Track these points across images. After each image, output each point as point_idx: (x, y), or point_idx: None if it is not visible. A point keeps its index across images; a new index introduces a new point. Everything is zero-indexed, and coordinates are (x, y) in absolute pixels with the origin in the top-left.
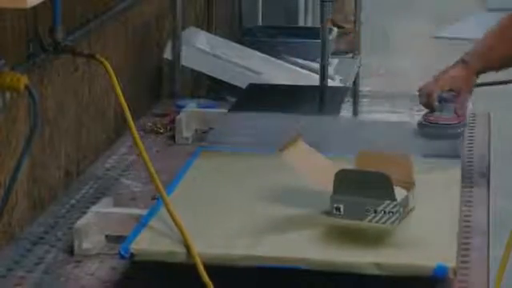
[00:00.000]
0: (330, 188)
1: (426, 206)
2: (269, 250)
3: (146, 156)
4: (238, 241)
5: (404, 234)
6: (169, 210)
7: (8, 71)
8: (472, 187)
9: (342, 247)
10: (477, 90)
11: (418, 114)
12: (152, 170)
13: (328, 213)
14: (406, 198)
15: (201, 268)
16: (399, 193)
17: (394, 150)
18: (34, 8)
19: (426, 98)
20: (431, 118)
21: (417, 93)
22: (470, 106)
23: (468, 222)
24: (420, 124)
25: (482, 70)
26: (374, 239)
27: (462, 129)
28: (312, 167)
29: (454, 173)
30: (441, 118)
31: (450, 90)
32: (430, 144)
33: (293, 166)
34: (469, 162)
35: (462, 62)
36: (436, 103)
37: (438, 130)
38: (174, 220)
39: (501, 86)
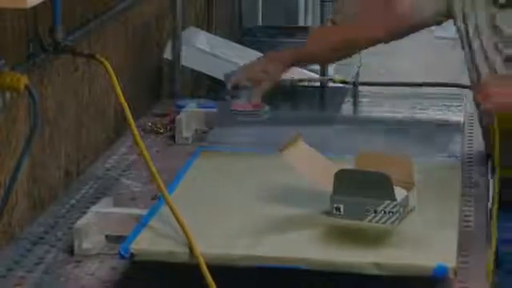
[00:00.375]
0: (329, 188)
1: (426, 206)
2: (269, 250)
3: (147, 155)
4: (238, 241)
5: (404, 234)
6: (172, 209)
7: (8, 71)
8: (472, 187)
9: (342, 247)
10: None
11: (420, 113)
12: (153, 169)
13: (328, 213)
14: (406, 198)
15: (204, 268)
16: (399, 193)
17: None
18: (34, 8)
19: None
20: (236, 106)
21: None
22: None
23: (468, 222)
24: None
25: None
26: (374, 239)
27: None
28: (312, 167)
29: (454, 173)
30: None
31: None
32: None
33: (293, 166)
34: (469, 162)
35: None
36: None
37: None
38: (177, 219)
39: None
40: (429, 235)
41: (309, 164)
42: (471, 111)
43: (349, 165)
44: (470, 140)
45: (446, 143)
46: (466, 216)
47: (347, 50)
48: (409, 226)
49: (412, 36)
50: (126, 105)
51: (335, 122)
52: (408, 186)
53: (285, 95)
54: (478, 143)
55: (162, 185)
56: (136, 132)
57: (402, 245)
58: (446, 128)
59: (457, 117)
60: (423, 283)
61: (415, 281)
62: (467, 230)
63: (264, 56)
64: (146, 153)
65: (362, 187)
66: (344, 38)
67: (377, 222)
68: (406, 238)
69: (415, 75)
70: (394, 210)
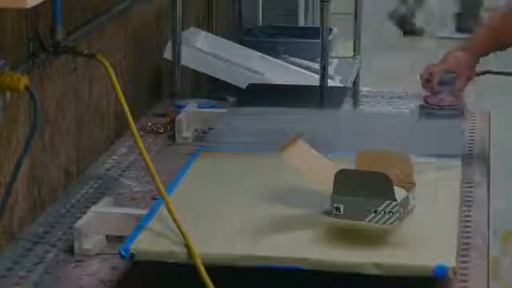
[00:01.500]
0: (330, 188)
1: (426, 206)
2: (269, 249)
3: (146, 154)
4: (238, 241)
5: (404, 234)
6: (169, 209)
7: (8, 71)
8: (472, 187)
9: (342, 247)
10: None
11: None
12: (152, 169)
13: (328, 213)
14: (406, 198)
15: (202, 269)
16: (399, 193)
17: (395, 147)
18: (34, 8)
19: (427, 78)
20: (432, 100)
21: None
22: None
23: (468, 222)
24: (421, 106)
25: (483, 55)
26: (373, 239)
27: (459, 111)
28: (312, 167)
29: (454, 173)
30: (440, 100)
31: (452, 72)
32: (431, 142)
33: (293, 166)
34: (469, 162)
35: (463, 47)
36: (437, 85)
37: (437, 111)
38: (174, 221)
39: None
40: (429, 235)
41: (308, 164)
42: (471, 111)
43: (348, 164)
44: (471, 140)
45: (446, 143)
46: (465, 216)
47: None
48: (409, 226)
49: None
50: (125, 105)
51: (337, 116)
52: (408, 185)
53: (285, 95)
54: (478, 143)
55: (160, 186)
56: (136, 132)
57: (401, 245)
58: (446, 128)
59: (457, 117)
60: (423, 283)
61: (415, 281)
62: (467, 230)
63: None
64: (145, 151)
65: (362, 187)
66: None
67: (377, 221)
68: (406, 238)
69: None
70: (394, 210)
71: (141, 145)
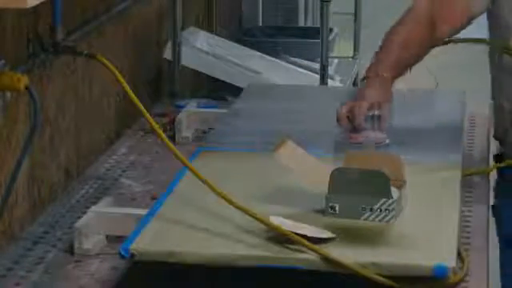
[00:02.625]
0: (322, 187)
1: (426, 205)
2: (269, 250)
3: (162, 133)
4: (238, 241)
5: (404, 234)
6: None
7: (8, 71)
8: (472, 187)
9: (342, 247)
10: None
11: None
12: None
13: (324, 212)
14: (400, 196)
15: None
16: (392, 191)
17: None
18: (34, 8)
19: (349, 120)
20: (359, 139)
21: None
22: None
23: (468, 222)
24: (344, 145)
25: (395, 78)
26: (373, 239)
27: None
28: (303, 167)
29: (454, 173)
30: (370, 137)
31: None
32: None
33: (285, 167)
34: (469, 162)
35: (376, 75)
36: (363, 124)
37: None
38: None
39: None
40: (428, 235)
41: (300, 164)
42: (471, 111)
43: (337, 163)
44: (471, 140)
45: (446, 143)
46: (465, 216)
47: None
48: (409, 225)
49: None
50: (133, 95)
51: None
52: (398, 183)
53: (285, 95)
54: (478, 143)
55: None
56: (149, 116)
57: (401, 245)
58: (446, 128)
59: (457, 117)
60: (423, 283)
61: (415, 281)
62: (467, 230)
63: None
64: (160, 132)
65: (358, 186)
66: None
67: (373, 220)
68: (406, 238)
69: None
70: (390, 207)
71: (155, 125)
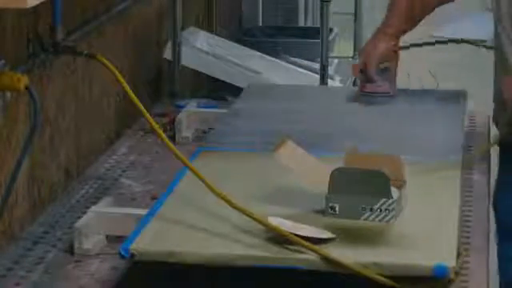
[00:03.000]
0: (322, 187)
1: (426, 205)
2: (268, 249)
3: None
4: (238, 241)
5: (404, 234)
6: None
7: (8, 71)
8: (472, 187)
9: (342, 247)
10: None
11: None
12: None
13: (324, 212)
14: (400, 196)
15: None
16: (393, 191)
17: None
18: (34, 8)
19: (361, 72)
20: (368, 89)
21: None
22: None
23: (468, 222)
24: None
25: (403, 34)
26: (373, 239)
27: (395, 96)
28: (303, 167)
29: (454, 173)
30: (378, 87)
31: (385, 60)
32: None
33: (285, 167)
34: (469, 162)
35: (384, 34)
36: (373, 76)
37: (378, 99)
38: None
39: None
40: (428, 235)
41: (300, 164)
42: (471, 110)
43: (337, 163)
44: (471, 140)
45: (446, 143)
46: (466, 216)
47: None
48: (409, 225)
49: (411, 35)
50: (133, 94)
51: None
52: (399, 183)
53: (285, 95)
54: (478, 143)
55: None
56: (148, 116)
57: (401, 244)
58: (446, 128)
59: (457, 117)
60: (423, 283)
61: (415, 281)
62: (467, 230)
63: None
64: (160, 132)
65: (358, 186)
66: None
67: (373, 220)
68: (406, 238)
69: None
70: (390, 207)
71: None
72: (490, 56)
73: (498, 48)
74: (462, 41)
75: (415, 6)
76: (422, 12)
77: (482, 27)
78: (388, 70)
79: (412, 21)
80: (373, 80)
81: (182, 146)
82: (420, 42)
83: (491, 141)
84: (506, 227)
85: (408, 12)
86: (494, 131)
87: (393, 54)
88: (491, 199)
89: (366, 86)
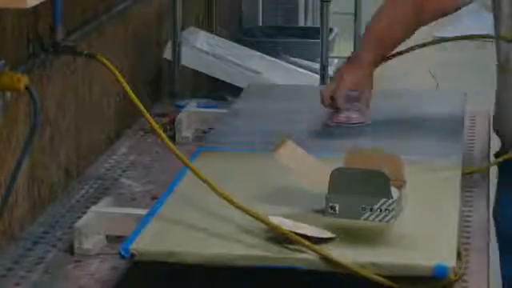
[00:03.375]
0: (322, 187)
1: (426, 205)
2: (269, 250)
3: (162, 133)
4: (238, 241)
5: (404, 234)
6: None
7: (8, 71)
8: (472, 187)
9: (342, 247)
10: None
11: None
12: (172, 146)
13: (324, 212)
14: (400, 196)
15: None
16: (393, 191)
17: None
18: (34, 8)
19: (332, 100)
20: (341, 119)
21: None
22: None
23: (468, 222)
24: (329, 125)
25: (378, 64)
26: (372, 239)
27: (369, 126)
28: (303, 167)
29: (454, 172)
30: (351, 117)
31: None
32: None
33: (285, 167)
34: (469, 162)
35: (358, 59)
36: (344, 104)
37: (351, 130)
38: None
39: None
40: (428, 235)
41: (300, 164)
42: (471, 110)
43: (337, 163)
44: (471, 140)
45: (446, 143)
46: (466, 216)
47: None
48: (409, 225)
49: (412, 35)
50: (133, 94)
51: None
52: (398, 183)
53: (285, 95)
54: (478, 143)
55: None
56: (149, 116)
57: (401, 245)
58: (446, 128)
59: (457, 117)
60: (423, 283)
61: (415, 281)
62: (467, 230)
63: (340, 70)
64: (160, 132)
65: (358, 186)
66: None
67: (373, 220)
68: (406, 238)
69: (414, 75)
70: (391, 207)
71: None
72: (490, 56)
73: (498, 48)
74: (472, 36)
75: (389, 34)
76: (399, 40)
77: (482, 27)
78: (360, 98)
79: (388, 48)
80: (342, 108)
81: (182, 146)
82: (423, 42)
83: (491, 161)
84: (507, 239)
85: (383, 39)
86: (494, 136)
87: (367, 81)
88: (491, 202)
89: (335, 116)
